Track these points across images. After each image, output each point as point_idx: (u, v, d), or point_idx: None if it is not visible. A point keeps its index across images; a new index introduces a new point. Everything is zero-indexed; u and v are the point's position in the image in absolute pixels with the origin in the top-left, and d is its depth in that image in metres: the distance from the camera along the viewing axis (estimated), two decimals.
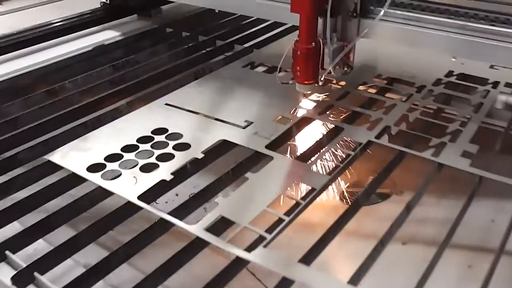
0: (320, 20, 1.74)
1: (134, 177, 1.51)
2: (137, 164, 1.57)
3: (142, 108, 1.93)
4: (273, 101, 1.96)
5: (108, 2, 2.91)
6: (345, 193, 2.04)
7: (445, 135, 1.73)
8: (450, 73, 2.19)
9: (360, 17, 1.77)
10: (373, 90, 2.08)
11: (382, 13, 1.70)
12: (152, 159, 1.59)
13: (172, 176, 1.51)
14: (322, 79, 1.81)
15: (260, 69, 2.32)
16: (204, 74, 2.26)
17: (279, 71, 1.91)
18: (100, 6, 2.92)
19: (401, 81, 2.15)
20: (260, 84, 2.10)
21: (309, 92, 1.91)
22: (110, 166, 1.57)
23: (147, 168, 1.57)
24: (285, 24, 2.77)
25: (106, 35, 2.78)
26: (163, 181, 1.50)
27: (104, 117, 1.89)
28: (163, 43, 2.64)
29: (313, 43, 1.72)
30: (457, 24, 1.66)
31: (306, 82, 1.81)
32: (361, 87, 2.10)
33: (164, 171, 1.53)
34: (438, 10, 1.73)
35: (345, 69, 1.87)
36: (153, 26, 2.88)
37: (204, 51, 2.54)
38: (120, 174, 1.53)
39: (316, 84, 1.84)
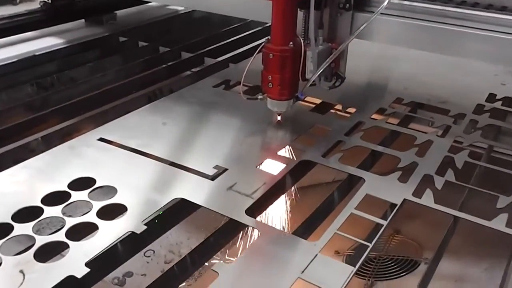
0: (300, 14, 1.24)
1: (21, 271, 0.88)
2: (32, 245, 0.94)
3: (63, 145, 1.31)
4: (257, 135, 1.37)
5: (49, 1, 2.28)
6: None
7: None
8: (492, 97, 1.64)
9: (355, 11, 1.26)
10: (394, 120, 1.51)
11: (386, 3, 1.16)
12: (60, 235, 0.97)
13: (87, 269, 0.88)
14: (302, 93, 1.29)
15: (239, 89, 1.72)
16: (161, 95, 1.65)
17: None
18: (39, 6, 2.29)
19: (430, 107, 1.58)
20: (238, 110, 1.50)
21: (283, 111, 1.36)
22: None
23: (49, 253, 0.94)
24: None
25: (42, 43, 2.16)
26: (71, 278, 0.87)
27: (3, 160, 1.26)
28: (112, 55, 2.03)
29: (291, 43, 1.22)
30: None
31: (281, 97, 1.29)
32: (377, 116, 1.52)
33: (76, 259, 0.91)
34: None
35: (334, 81, 1.35)
36: (103, 34, 2.27)
37: (164, 65, 1.93)
38: None
39: (293, 101, 1.32)
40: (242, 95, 1.34)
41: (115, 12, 2.48)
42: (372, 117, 1.50)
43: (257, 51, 1.25)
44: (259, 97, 1.32)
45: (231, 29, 2.37)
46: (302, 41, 1.24)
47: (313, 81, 1.24)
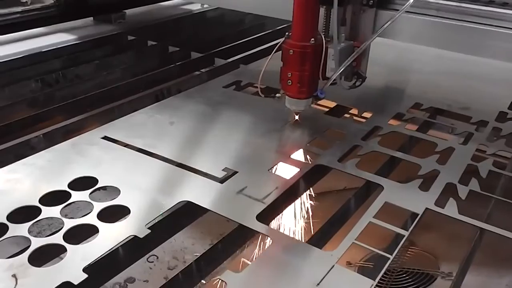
0: (322, 10, 1.19)
1: (14, 275, 0.81)
2: (27, 247, 0.87)
3: (65, 142, 1.25)
4: (268, 137, 1.30)
5: None
6: None
7: None
8: None
9: (378, 8, 1.20)
10: (413, 126, 1.43)
11: (412, 0, 1.10)
12: (58, 237, 0.91)
13: (85, 275, 0.82)
14: (322, 92, 1.23)
15: (250, 90, 1.66)
16: (169, 95, 1.59)
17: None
18: (53, 2, 2.23)
19: (451, 113, 1.51)
20: (249, 111, 1.44)
21: (302, 110, 1.30)
22: None
23: (45, 256, 0.88)
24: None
25: (50, 39, 2.12)
26: (67, 284, 0.80)
27: (3, 156, 1.20)
28: (120, 53, 1.97)
29: (312, 39, 1.16)
30: None
31: (300, 95, 1.23)
32: (394, 121, 1.45)
33: (73, 264, 0.84)
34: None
35: (355, 80, 1.30)
36: (112, 33, 2.21)
37: (173, 65, 1.87)
38: None
39: (312, 100, 1.26)
40: (260, 93, 1.29)
41: (124, 11, 2.43)
42: (389, 122, 1.43)
43: (276, 48, 1.19)
44: (277, 95, 1.27)
45: (243, 30, 2.32)
46: (323, 37, 1.18)
47: (334, 80, 1.18)
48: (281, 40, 1.22)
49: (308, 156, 1.22)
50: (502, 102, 1.57)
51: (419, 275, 1.52)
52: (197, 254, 1.77)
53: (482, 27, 1.08)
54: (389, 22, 1.11)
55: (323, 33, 1.19)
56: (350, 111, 1.52)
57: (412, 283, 1.52)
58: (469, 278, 1.26)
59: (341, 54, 1.16)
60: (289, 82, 1.20)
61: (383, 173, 1.18)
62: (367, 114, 1.47)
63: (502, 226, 1.01)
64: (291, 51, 1.16)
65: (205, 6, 2.59)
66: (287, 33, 1.18)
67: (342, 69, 1.16)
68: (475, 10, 1.09)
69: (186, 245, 1.79)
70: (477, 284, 1.40)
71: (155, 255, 1.75)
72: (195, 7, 2.61)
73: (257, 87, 1.67)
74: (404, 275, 1.54)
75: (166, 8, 2.61)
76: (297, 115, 1.32)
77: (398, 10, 1.13)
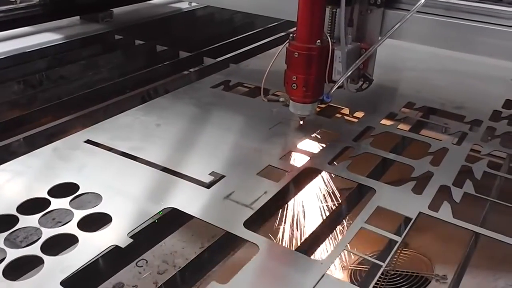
0: (327, 10, 1.15)
1: None
2: (2, 259, 0.84)
3: (46, 147, 1.21)
4: (257, 139, 1.26)
5: None
6: None
7: None
8: (509, 103, 1.54)
9: (386, 7, 1.16)
10: (406, 126, 1.40)
11: (424, 0, 1.06)
12: (35, 248, 0.87)
13: None
14: (329, 96, 1.19)
15: (239, 90, 1.62)
16: (156, 95, 1.55)
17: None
18: (38, 0, 2.17)
19: (444, 113, 1.48)
20: (238, 112, 1.40)
21: (307, 115, 1.26)
22: None
23: (20, 269, 0.84)
24: (275, 33, 2.14)
25: (34, 39, 2.06)
26: None
27: None
28: (107, 53, 1.93)
29: (318, 41, 1.13)
30: None
31: (305, 100, 1.19)
32: (387, 121, 1.41)
33: (51, 276, 0.80)
34: None
35: (361, 83, 1.27)
36: (98, 32, 2.16)
37: (160, 65, 1.83)
38: None
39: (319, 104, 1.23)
40: (263, 97, 1.25)
41: (112, 10, 2.38)
42: (382, 122, 1.40)
43: (280, 49, 1.15)
44: (281, 99, 1.23)
45: (233, 29, 2.28)
46: (329, 39, 1.14)
47: (341, 84, 1.14)
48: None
49: (298, 159, 1.18)
50: (496, 100, 1.54)
51: (413, 278, 1.49)
52: (188, 258, 1.73)
53: (482, 25, 1.04)
54: (399, 23, 1.07)
55: (329, 34, 1.15)
56: (341, 111, 1.49)
57: (406, 285, 1.49)
58: (464, 281, 1.23)
59: (348, 56, 1.12)
60: (293, 86, 1.16)
61: (375, 175, 1.15)
62: (359, 114, 1.43)
63: (498, 229, 0.98)
64: (296, 53, 1.12)
65: (193, 4, 2.55)
66: (291, 35, 1.13)
67: (349, 73, 1.13)
68: (486, 9, 1.05)
69: (176, 249, 1.75)
70: (473, 286, 1.37)
71: (145, 259, 1.71)
72: (184, 5, 2.57)
73: (246, 87, 1.64)
74: (398, 277, 1.51)
75: (154, 6, 2.56)
76: (301, 120, 1.27)
77: (406, 9, 1.09)
